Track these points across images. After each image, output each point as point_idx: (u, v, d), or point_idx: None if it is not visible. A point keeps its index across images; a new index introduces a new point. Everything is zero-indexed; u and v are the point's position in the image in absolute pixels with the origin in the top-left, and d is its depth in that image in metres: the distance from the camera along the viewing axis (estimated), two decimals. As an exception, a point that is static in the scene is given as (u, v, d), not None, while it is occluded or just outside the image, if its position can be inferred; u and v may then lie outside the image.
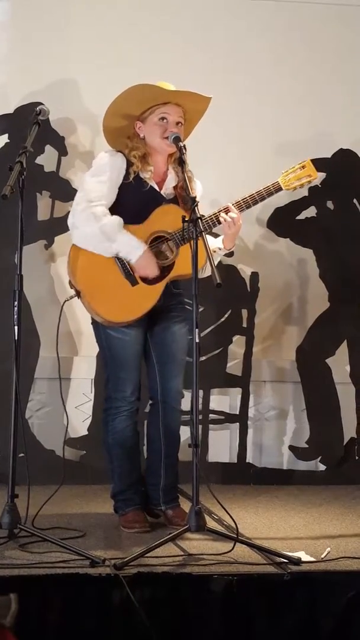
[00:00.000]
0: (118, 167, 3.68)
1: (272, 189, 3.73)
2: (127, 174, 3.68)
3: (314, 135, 5.04)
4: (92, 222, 3.61)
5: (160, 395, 3.80)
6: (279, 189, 3.75)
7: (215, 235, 3.84)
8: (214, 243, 3.74)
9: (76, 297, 3.69)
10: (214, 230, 3.75)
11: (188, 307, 3.72)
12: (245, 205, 3.70)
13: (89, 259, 3.65)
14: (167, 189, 3.74)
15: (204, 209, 3.63)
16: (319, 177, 4.98)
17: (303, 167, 3.79)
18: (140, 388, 3.79)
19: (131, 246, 3.61)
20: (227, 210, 3.67)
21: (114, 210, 3.67)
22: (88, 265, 3.65)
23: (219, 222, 3.67)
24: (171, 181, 3.73)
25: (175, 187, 3.75)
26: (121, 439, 3.77)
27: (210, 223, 3.66)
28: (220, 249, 3.75)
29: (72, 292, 3.70)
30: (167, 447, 3.79)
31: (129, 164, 3.68)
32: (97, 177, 3.69)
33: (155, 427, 3.83)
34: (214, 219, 3.67)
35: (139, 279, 3.65)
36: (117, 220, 3.63)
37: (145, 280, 3.65)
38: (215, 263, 3.74)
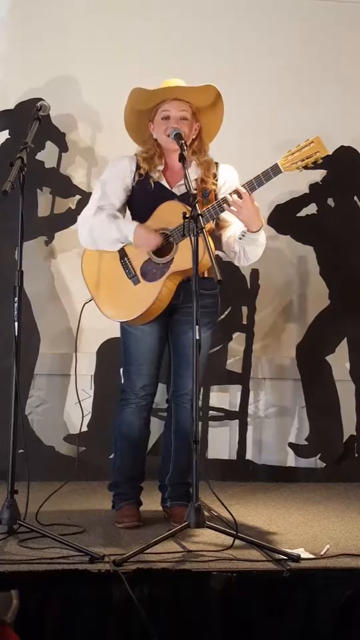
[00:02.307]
0: (123, 172, 3.75)
1: (270, 172, 3.55)
2: (134, 177, 3.74)
3: (313, 133, 4.99)
4: (89, 220, 3.72)
5: (171, 395, 3.87)
6: (277, 169, 3.55)
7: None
8: (239, 228, 3.70)
9: (93, 300, 3.77)
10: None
11: (210, 310, 3.74)
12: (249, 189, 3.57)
13: (96, 263, 3.75)
14: (182, 185, 3.69)
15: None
16: (319, 174, 5.03)
17: (311, 143, 3.55)
18: (154, 385, 3.82)
19: (125, 227, 3.67)
20: (235, 193, 3.57)
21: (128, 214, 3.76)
22: (96, 269, 3.75)
23: (222, 210, 3.59)
24: (191, 176, 3.61)
25: (196, 181, 3.71)
26: (127, 431, 3.81)
27: (218, 209, 3.59)
28: (245, 233, 3.64)
29: (89, 295, 3.78)
30: (176, 443, 3.82)
31: (138, 167, 3.73)
32: (101, 185, 3.78)
33: (167, 425, 3.90)
34: (221, 203, 3.58)
35: (141, 278, 3.67)
36: (111, 212, 3.71)
37: (147, 277, 3.67)
38: (260, 245, 3.70)
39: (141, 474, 3.86)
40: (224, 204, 3.58)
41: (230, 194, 3.58)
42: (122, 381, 3.85)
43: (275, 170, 3.57)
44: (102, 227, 3.69)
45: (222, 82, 4.73)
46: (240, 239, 3.68)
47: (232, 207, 3.57)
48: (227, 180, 3.78)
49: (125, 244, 3.71)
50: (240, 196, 3.54)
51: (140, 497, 3.87)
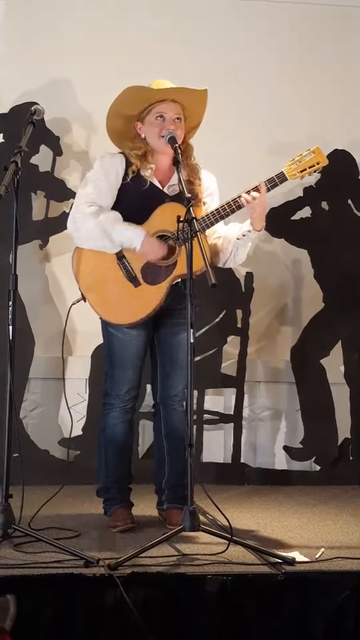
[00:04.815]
0: (115, 169, 3.71)
1: (277, 180, 3.65)
2: (126, 174, 3.70)
3: (309, 136, 5.01)
4: (89, 221, 3.63)
5: (159, 397, 3.84)
6: (283, 178, 3.65)
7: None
8: (240, 228, 3.70)
9: (82, 301, 3.72)
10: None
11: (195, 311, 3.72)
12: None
13: (91, 262, 3.69)
14: (172, 186, 3.72)
15: (215, 203, 3.68)
16: (313, 178, 5.03)
17: (312, 153, 3.69)
18: (138, 387, 3.80)
19: (131, 234, 3.63)
20: (250, 192, 3.61)
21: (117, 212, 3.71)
22: (91, 269, 3.70)
23: (237, 208, 3.60)
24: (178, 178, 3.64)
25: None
26: (111, 435, 3.79)
27: (229, 210, 3.61)
28: (249, 231, 3.66)
29: (79, 296, 3.73)
30: (170, 446, 3.82)
31: (128, 164, 3.70)
32: (93, 181, 3.72)
33: (157, 429, 3.89)
34: (232, 205, 3.61)
35: (142, 280, 3.66)
36: (113, 214, 3.66)
37: (148, 280, 3.66)
38: (249, 247, 3.73)
39: (129, 476, 3.85)
40: (242, 200, 3.57)
41: (247, 191, 3.59)
42: (106, 385, 3.81)
43: (281, 178, 3.65)
44: (104, 229, 3.62)
45: (220, 84, 4.76)
46: (238, 239, 3.68)
47: (250, 203, 3.58)
48: (209, 186, 3.79)
49: None
50: (258, 192, 3.59)
51: (134, 501, 3.86)
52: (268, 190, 3.64)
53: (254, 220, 3.63)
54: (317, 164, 3.69)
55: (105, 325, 3.76)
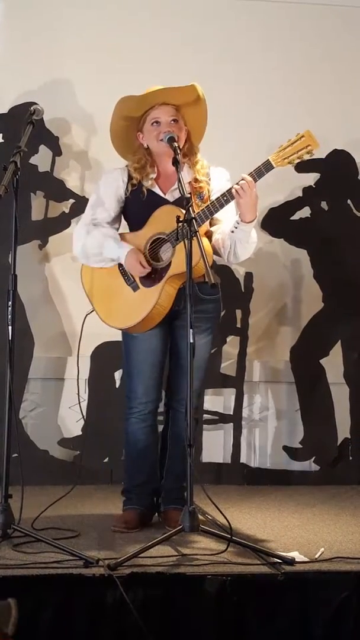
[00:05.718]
0: (115, 183, 3.77)
1: (263, 169, 3.58)
2: (126, 187, 3.75)
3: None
4: (84, 239, 3.74)
5: (170, 400, 3.88)
6: (269, 165, 3.58)
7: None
8: (229, 226, 3.69)
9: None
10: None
11: (210, 316, 3.75)
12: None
13: (96, 272, 3.78)
14: (174, 190, 3.71)
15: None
16: (313, 178, 5.04)
17: (301, 137, 3.57)
18: (156, 391, 3.82)
19: (118, 250, 3.70)
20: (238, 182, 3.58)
21: (124, 224, 3.82)
22: (94, 278, 3.78)
23: (231, 197, 3.58)
24: (184, 179, 3.60)
25: (190, 183, 3.72)
26: (132, 439, 3.84)
27: (223, 201, 3.59)
28: (238, 222, 3.63)
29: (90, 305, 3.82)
30: (172, 448, 3.84)
31: (130, 177, 3.75)
32: (95, 198, 3.82)
33: (165, 430, 3.92)
34: (220, 199, 3.60)
35: (140, 284, 3.69)
36: (105, 231, 3.74)
37: (146, 284, 3.68)
38: (251, 243, 3.71)
39: (152, 481, 3.86)
40: (229, 195, 3.56)
41: (237, 183, 3.56)
42: (126, 389, 3.86)
43: (267, 166, 3.59)
44: (95, 247, 3.72)
45: (220, 83, 4.78)
46: (232, 232, 3.67)
47: (238, 192, 3.54)
48: (219, 182, 3.78)
49: None
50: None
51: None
52: (255, 179, 3.57)
53: (241, 211, 3.59)
54: (307, 146, 3.57)
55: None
